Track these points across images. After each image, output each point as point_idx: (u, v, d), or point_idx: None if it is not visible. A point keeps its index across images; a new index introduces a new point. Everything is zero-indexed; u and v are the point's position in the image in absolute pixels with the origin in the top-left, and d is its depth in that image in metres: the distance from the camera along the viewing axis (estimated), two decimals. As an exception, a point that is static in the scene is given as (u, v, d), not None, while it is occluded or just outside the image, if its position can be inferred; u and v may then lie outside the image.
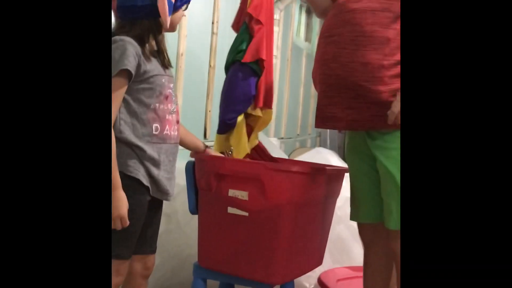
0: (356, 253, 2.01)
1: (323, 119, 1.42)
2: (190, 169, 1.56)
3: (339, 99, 1.34)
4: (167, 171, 1.30)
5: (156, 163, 1.26)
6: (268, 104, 1.67)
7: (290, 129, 4.90)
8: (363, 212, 1.48)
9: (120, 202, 1.18)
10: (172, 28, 1.36)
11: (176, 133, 1.34)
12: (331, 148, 4.71)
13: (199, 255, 1.53)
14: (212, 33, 2.93)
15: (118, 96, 1.19)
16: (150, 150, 1.25)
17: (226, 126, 1.64)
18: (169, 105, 1.30)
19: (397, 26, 1.29)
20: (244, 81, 1.60)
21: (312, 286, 1.86)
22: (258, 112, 1.65)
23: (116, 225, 1.18)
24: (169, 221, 1.80)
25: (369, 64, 1.29)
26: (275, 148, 3.03)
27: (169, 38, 1.50)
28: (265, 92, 1.65)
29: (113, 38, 1.20)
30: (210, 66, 2.94)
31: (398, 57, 1.29)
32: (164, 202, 1.40)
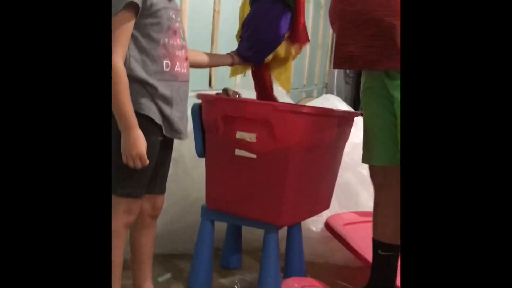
0: (363, 199, 2.01)
1: (340, 59, 1.38)
2: (197, 111, 1.53)
3: (359, 37, 1.29)
4: (179, 110, 1.27)
5: (168, 101, 1.23)
6: (304, 40, 1.61)
7: (296, 80, 4.82)
8: (376, 154, 1.46)
9: (139, 141, 1.16)
10: None
11: (185, 70, 1.30)
12: (338, 98, 4.64)
13: (207, 197, 1.53)
14: (214, 10, 2.81)
15: (126, 31, 1.15)
16: (161, 87, 1.21)
17: (249, 61, 1.61)
18: (177, 40, 1.26)
19: None
20: (277, 18, 1.51)
21: (319, 230, 1.87)
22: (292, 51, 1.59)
23: (136, 163, 1.17)
24: (176, 166, 1.79)
25: None
26: (281, 97, 2.99)
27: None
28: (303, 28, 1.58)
29: None
30: (214, 10, 2.84)
31: None
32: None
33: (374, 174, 1.50)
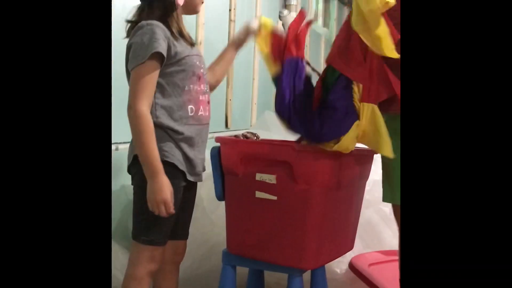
0: (386, 237, 1.96)
1: None
2: (216, 154, 1.52)
3: None
4: (201, 152, 1.30)
5: (192, 144, 1.26)
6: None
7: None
8: (399, 193, 1.43)
9: (164, 187, 1.16)
10: (194, 9, 1.33)
11: (208, 113, 1.33)
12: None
13: (228, 242, 1.50)
14: (230, 20, 2.89)
15: (152, 80, 1.17)
16: (187, 131, 1.24)
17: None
18: (202, 85, 1.29)
19: None
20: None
21: (343, 272, 1.81)
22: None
23: (161, 210, 1.17)
24: (195, 209, 1.77)
25: None
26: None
27: (187, 27, 1.47)
28: None
29: (139, 24, 1.19)
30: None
31: None
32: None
33: (398, 213, 1.46)
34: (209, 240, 1.78)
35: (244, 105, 3.18)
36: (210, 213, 1.83)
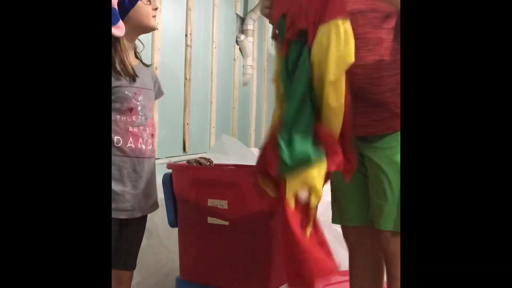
0: (341, 258, 1.98)
1: None
2: (167, 181, 1.52)
3: None
4: (136, 186, 1.27)
5: (117, 177, 1.24)
6: None
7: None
8: (348, 215, 1.47)
9: None
10: (146, 27, 1.35)
11: (147, 146, 1.32)
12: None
13: (181, 269, 1.49)
14: (186, 45, 2.91)
15: None
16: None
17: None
18: (133, 117, 1.28)
19: (387, 25, 1.29)
20: None
21: (299, 294, 1.82)
22: None
23: None
24: (150, 236, 1.76)
25: (367, 66, 1.28)
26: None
27: (143, 51, 1.48)
28: None
29: None
30: (185, 78, 2.92)
31: (393, 56, 1.29)
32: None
33: (347, 234, 1.50)
34: (164, 268, 1.75)
35: (202, 128, 3.18)
36: (165, 240, 1.81)
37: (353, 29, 1.29)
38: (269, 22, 1.36)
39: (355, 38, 1.29)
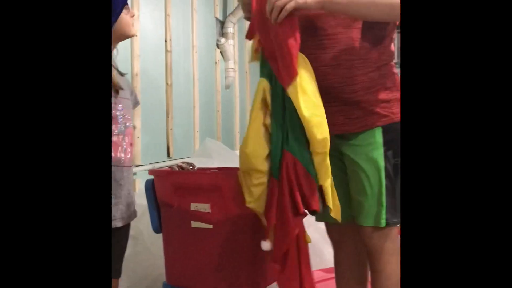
0: (327, 255, 2.01)
1: None
2: (150, 187, 1.53)
3: None
4: (115, 195, 1.28)
5: None
6: None
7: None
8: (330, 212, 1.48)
9: None
10: (125, 34, 1.36)
11: (125, 155, 1.32)
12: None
13: (167, 274, 1.50)
14: (166, 51, 2.92)
15: None
16: None
17: None
18: (113, 126, 1.29)
19: (357, 25, 1.30)
20: None
21: (287, 293, 1.84)
22: None
23: None
24: (136, 243, 1.76)
25: (340, 65, 1.30)
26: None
27: (122, 59, 1.48)
28: None
29: None
30: (167, 84, 2.92)
31: (364, 55, 1.31)
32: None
33: (330, 231, 1.52)
34: (151, 274, 1.76)
35: (186, 133, 3.19)
36: (150, 246, 1.81)
37: (325, 29, 1.31)
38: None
39: (327, 39, 1.31)
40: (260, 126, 1.27)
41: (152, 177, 1.54)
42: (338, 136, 1.35)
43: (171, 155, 2.93)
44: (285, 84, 1.22)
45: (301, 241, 1.28)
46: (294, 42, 1.20)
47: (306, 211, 1.24)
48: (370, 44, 1.31)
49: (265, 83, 1.28)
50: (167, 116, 2.92)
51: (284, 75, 1.22)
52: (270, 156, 1.27)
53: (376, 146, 1.31)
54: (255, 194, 1.27)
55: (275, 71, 1.25)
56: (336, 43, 1.30)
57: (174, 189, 1.43)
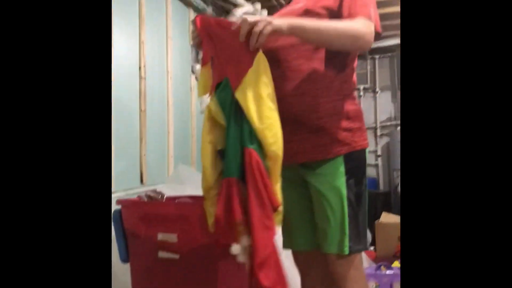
0: (296, 282, 2.02)
1: None
2: (117, 217, 1.53)
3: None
4: None
5: None
6: None
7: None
8: (296, 240, 1.51)
9: None
10: None
11: None
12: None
13: (134, 305, 1.49)
14: (140, 77, 2.94)
15: None
16: None
17: None
18: None
19: (319, 55, 1.36)
20: None
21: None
22: None
23: None
24: (104, 273, 1.74)
25: (304, 94, 1.34)
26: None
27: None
28: None
29: None
30: (140, 110, 2.93)
31: (328, 84, 1.36)
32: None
33: (297, 259, 1.54)
34: (120, 304, 1.73)
35: (159, 159, 3.19)
36: (120, 276, 1.79)
37: (288, 62, 1.36)
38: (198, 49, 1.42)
39: (290, 71, 1.36)
40: (207, 145, 1.29)
41: (119, 206, 1.54)
42: (304, 165, 1.39)
43: (144, 182, 2.92)
44: (234, 87, 1.24)
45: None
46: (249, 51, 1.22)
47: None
48: (332, 74, 1.36)
49: (211, 102, 1.31)
50: (141, 142, 2.92)
51: (233, 78, 1.24)
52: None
53: (338, 175, 1.35)
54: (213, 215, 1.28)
55: (229, 75, 1.26)
56: (299, 73, 1.35)
57: (141, 219, 1.44)
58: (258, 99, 1.21)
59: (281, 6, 4.15)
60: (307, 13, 1.34)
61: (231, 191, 1.23)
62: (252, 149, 1.22)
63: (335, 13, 1.34)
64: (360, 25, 1.26)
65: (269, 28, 1.18)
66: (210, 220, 1.29)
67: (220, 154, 1.30)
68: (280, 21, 1.21)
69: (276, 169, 1.24)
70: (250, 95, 1.21)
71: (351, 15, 1.30)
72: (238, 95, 1.23)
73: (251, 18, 1.19)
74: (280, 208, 1.26)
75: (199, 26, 1.32)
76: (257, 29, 1.18)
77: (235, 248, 1.24)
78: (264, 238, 1.21)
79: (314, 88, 1.35)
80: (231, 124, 1.24)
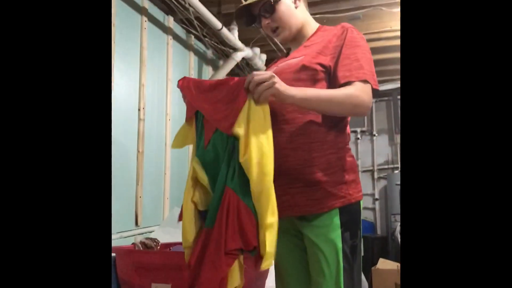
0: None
1: None
2: (111, 264, 1.50)
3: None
4: None
5: None
6: None
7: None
8: None
9: None
10: None
11: None
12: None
13: None
14: (139, 119, 2.96)
15: None
16: None
17: None
18: None
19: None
20: None
21: None
22: None
23: None
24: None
25: (298, 148, 1.35)
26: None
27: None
28: None
29: None
30: (138, 151, 2.93)
31: (322, 138, 1.37)
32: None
33: None
34: None
35: (155, 201, 3.16)
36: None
37: (283, 115, 1.38)
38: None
39: (285, 123, 1.37)
40: (189, 203, 1.28)
41: (113, 254, 1.52)
42: (300, 217, 1.38)
43: (139, 224, 2.88)
44: (227, 130, 1.23)
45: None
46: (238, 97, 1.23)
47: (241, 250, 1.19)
48: (326, 128, 1.38)
49: (195, 161, 1.31)
50: (137, 184, 2.91)
51: (224, 123, 1.24)
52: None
53: (334, 228, 1.33)
54: None
55: (216, 123, 1.27)
56: (294, 127, 1.36)
57: (135, 268, 1.41)
58: (256, 130, 1.20)
59: (279, 51, 4.24)
60: (304, 69, 1.37)
61: (208, 239, 1.21)
62: (230, 188, 1.20)
63: (331, 71, 1.37)
64: (359, 92, 1.30)
65: (273, 91, 1.22)
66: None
67: (202, 214, 1.29)
68: (284, 87, 1.24)
69: (265, 200, 1.19)
70: (247, 127, 1.20)
71: (346, 78, 1.33)
72: (235, 130, 1.21)
73: (260, 75, 1.22)
74: (270, 252, 1.20)
75: (181, 86, 1.36)
76: (260, 89, 1.21)
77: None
78: (208, 278, 1.17)
79: (309, 142, 1.36)
80: (221, 173, 1.24)
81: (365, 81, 1.32)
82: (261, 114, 1.21)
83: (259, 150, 1.18)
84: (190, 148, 3.72)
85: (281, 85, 1.23)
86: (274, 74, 1.23)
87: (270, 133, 1.22)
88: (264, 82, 1.20)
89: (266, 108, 1.23)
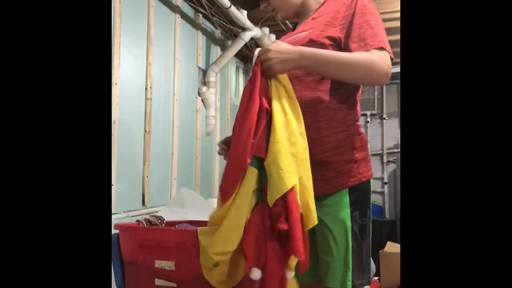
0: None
1: None
2: (115, 241, 1.49)
3: None
4: None
5: None
6: None
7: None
8: (297, 271, 1.46)
9: None
10: None
11: None
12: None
13: (127, 335, 1.44)
14: (146, 98, 2.93)
15: None
16: None
17: None
18: None
19: (323, 87, 1.34)
20: None
21: None
22: None
23: None
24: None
25: (308, 127, 1.30)
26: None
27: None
28: None
29: None
30: (145, 131, 2.92)
31: (331, 116, 1.33)
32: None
33: None
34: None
35: (162, 181, 3.16)
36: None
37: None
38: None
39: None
40: (249, 195, 1.20)
41: (117, 231, 1.51)
42: None
43: (146, 204, 2.88)
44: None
45: None
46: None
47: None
48: (336, 105, 1.34)
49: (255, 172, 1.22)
50: (144, 164, 2.90)
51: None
52: None
53: (343, 206, 1.31)
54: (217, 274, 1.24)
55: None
56: (302, 105, 1.32)
57: (138, 245, 1.40)
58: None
59: (288, 30, 4.18)
60: (312, 43, 1.32)
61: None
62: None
63: (342, 44, 1.31)
64: (376, 56, 1.22)
65: (274, 63, 1.21)
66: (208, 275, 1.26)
67: None
68: (290, 48, 1.21)
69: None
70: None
71: (361, 48, 1.25)
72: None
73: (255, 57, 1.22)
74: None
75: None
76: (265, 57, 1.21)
77: (256, 273, 1.17)
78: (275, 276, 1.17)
79: (318, 120, 1.33)
80: None
81: (381, 49, 1.25)
82: (281, 89, 1.23)
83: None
84: (198, 129, 3.71)
85: (275, 58, 1.21)
86: (268, 48, 1.20)
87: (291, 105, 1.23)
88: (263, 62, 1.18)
89: (282, 80, 1.24)
